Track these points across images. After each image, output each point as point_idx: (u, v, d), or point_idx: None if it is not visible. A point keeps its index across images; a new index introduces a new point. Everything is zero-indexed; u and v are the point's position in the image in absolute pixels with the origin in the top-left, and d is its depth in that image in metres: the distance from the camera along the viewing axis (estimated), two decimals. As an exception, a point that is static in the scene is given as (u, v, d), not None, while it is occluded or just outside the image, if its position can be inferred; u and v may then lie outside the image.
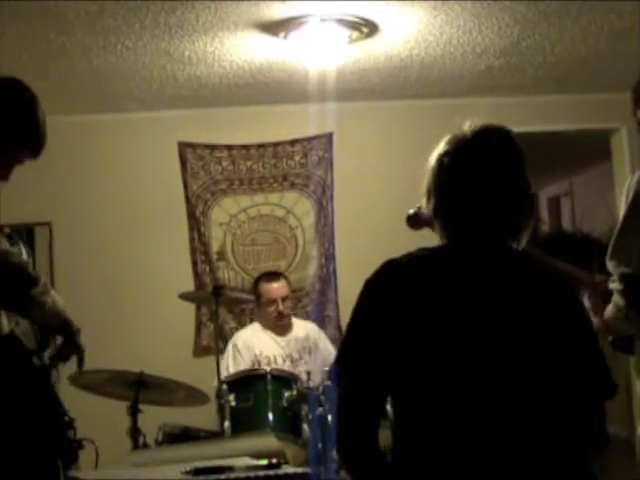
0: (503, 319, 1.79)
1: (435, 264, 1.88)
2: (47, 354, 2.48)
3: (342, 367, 1.89)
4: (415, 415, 1.81)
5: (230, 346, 5.06)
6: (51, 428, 2.39)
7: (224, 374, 4.74)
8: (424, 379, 1.79)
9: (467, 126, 1.92)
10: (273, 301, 5.08)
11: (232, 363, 4.93)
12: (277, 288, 5.12)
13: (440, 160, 1.91)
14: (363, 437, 1.84)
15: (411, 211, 2.03)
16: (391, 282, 1.87)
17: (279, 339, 5.09)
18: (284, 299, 5.10)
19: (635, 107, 2.65)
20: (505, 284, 1.84)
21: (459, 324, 1.79)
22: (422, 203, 1.94)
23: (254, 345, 5.03)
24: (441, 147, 1.93)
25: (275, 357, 5.02)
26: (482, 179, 1.87)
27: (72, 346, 2.52)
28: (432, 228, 1.97)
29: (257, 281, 5.26)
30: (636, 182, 2.72)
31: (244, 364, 4.92)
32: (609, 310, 2.36)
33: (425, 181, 1.93)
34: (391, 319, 1.82)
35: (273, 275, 5.32)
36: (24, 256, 2.49)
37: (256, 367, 4.89)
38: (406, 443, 1.83)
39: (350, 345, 1.89)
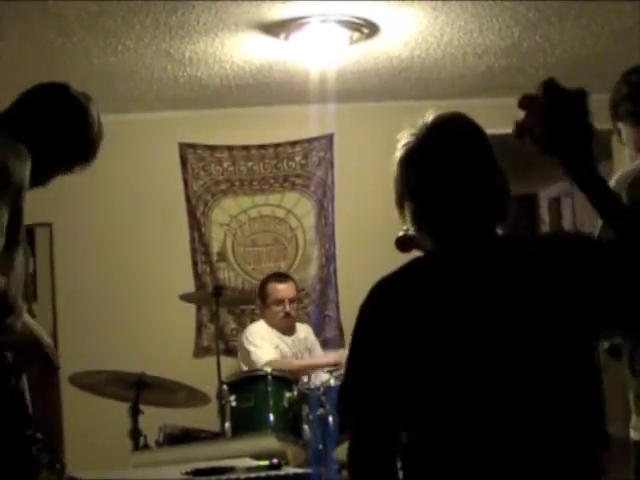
0: (507, 319, 1.76)
1: (427, 274, 1.83)
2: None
3: (352, 399, 1.84)
4: (431, 429, 1.77)
5: (249, 337, 5.04)
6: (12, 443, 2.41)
7: (259, 363, 4.77)
8: (436, 393, 1.75)
9: (420, 123, 1.87)
10: (280, 301, 5.11)
11: (262, 352, 4.93)
12: (285, 289, 5.16)
13: (403, 164, 1.86)
14: (387, 471, 1.81)
15: (400, 234, 2.02)
16: (385, 303, 1.83)
17: (285, 338, 5.12)
18: (291, 300, 5.13)
19: (614, 118, 2.64)
20: (504, 280, 1.77)
21: (464, 330, 1.74)
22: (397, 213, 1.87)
23: (271, 338, 5.05)
24: (399, 152, 1.87)
25: (287, 354, 5.05)
26: (452, 169, 1.81)
27: (41, 362, 2.53)
28: (420, 249, 1.94)
29: (265, 281, 5.29)
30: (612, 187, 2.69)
31: (270, 352, 4.93)
32: None
33: (394, 191, 1.87)
34: (393, 340, 1.78)
35: (282, 276, 5.38)
36: (22, 273, 2.49)
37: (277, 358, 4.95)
38: (423, 460, 1.79)
39: (357, 375, 1.84)
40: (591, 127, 1.75)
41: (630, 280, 1.75)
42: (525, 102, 1.74)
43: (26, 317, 2.45)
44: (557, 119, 1.72)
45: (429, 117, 1.87)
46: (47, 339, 2.56)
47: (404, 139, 1.89)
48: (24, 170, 2.45)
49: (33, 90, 2.67)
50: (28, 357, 2.48)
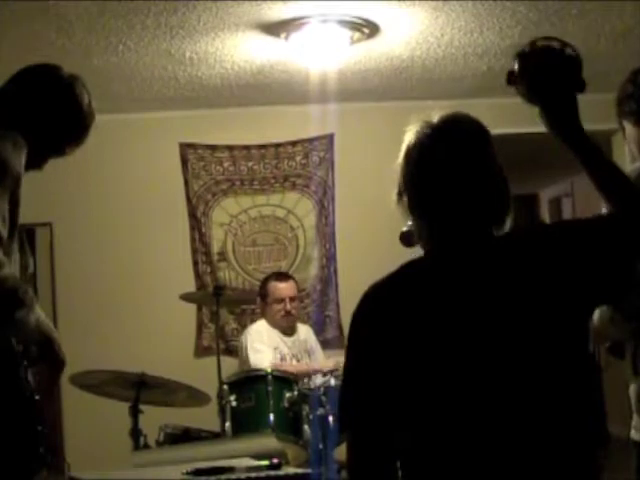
0: (503, 321, 1.75)
1: (419, 277, 1.82)
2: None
3: (350, 403, 1.83)
4: (430, 431, 1.76)
5: (250, 340, 5.03)
6: (22, 439, 2.41)
7: (257, 364, 4.77)
8: (434, 395, 1.74)
9: (429, 119, 1.86)
10: (281, 300, 5.11)
11: (261, 358, 4.91)
12: (286, 287, 5.16)
13: (407, 152, 1.85)
14: (385, 473, 1.80)
15: (404, 229, 2.02)
16: (379, 306, 1.82)
17: (286, 339, 5.12)
18: (292, 299, 5.13)
19: (618, 116, 2.65)
20: (498, 284, 1.76)
21: (459, 332, 1.74)
22: (394, 201, 1.87)
23: (271, 338, 5.05)
24: (406, 140, 1.88)
25: (286, 355, 5.05)
26: (453, 163, 1.80)
27: (50, 358, 2.52)
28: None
29: (266, 280, 5.28)
30: None
31: (269, 358, 4.93)
32: (596, 315, 2.36)
33: (397, 180, 1.87)
34: (388, 344, 1.77)
35: (283, 275, 5.38)
36: (17, 263, 2.48)
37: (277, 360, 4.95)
38: (422, 463, 1.79)
39: (354, 380, 1.83)
40: (580, 80, 1.80)
41: (623, 254, 1.76)
42: (521, 54, 1.80)
43: (38, 311, 2.45)
44: (545, 69, 1.78)
45: (438, 114, 1.87)
46: (56, 334, 2.56)
47: (412, 132, 1.88)
48: (21, 159, 2.45)
49: (19, 73, 2.67)
50: (39, 352, 2.48)
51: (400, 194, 1.87)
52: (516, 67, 1.81)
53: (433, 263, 1.84)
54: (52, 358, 2.52)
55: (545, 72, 1.79)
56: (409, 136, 1.88)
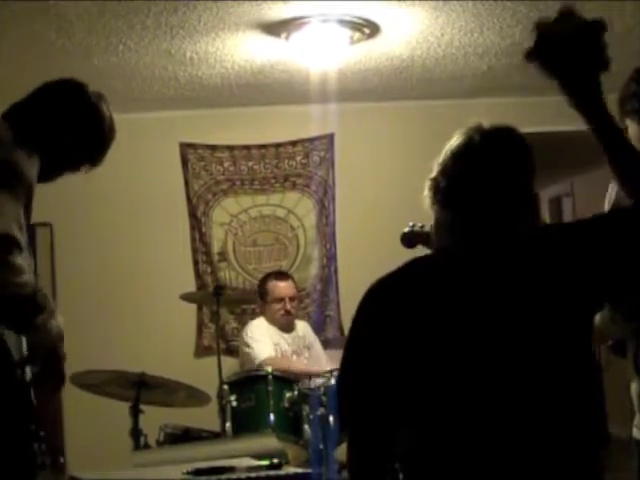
0: (506, 321, 1.75)
1: (424, 275, 1.84)
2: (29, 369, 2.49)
3: (351, 408, 1.85)
4: (432, 429, 1.77)
5: (249, 333, 5.05)
6: (14, 439, 2.40)
7: (258, 359, 4.78)
8: (435, 393, 1.76)
9: (475, 125, 1.88)
10: (281, 299, 5.12)
11: (261, 348, 4.92)
12: (285, 287, 5.17)
13: (455, 147, 1.87)
14: (384, 470, 1.82)
15: (406, 230, 2.02)
16: (380, 306, 1.83)
17: (285, 335, 5.13)
18: (291, 299, 5.14)
19: (621, 115, 2.65)
20: (504, 282, 1.77)
21: (462, 330, 1.74)
22: (425, 191, 1.88)
23: (271, 335, 5.06)
24: (456, 137, 1.89)
25: (286, 351, 5.06)
26: (496, 166, 1.83)
27: (54, 371, 2.52)
28: (426, 245, 1.93)
29: (265, 279, 5.29)
30: (616, 191, 2.69)
31: (269, 349, 4.93)
32: (597, 315, 2.37)
33: (434, 176, 1.88)
34: (391, 341, 1.78)
35: (282, 274, 5.39)
36: (32, 263, 2.49)
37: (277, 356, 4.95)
38: (424, 461, 1.79)
39: (355, 376, 1.84)
40: (603, 57, 1.78)
41: (632, 251, 1.76)
42: (540, 27, 1.77)
43: (59, 319, 2.45)
44: (567, 46, 1.76)
45: (485, 123, 1.89)
46: (63, 348, 2.55)
47: (462, 132, 1.89)
48: (34, 170, 2.45)
49: (45, 86, 2.66)
50: (42, 359, 2.47)
51: (433, 184, 1.87)
52: (537, 42, 1.79)
53: (441, 261, 1.84)
54: (54, 370, 2.51)
55: (564, 45, 1.78)
56: (460, 134, 1.89)
